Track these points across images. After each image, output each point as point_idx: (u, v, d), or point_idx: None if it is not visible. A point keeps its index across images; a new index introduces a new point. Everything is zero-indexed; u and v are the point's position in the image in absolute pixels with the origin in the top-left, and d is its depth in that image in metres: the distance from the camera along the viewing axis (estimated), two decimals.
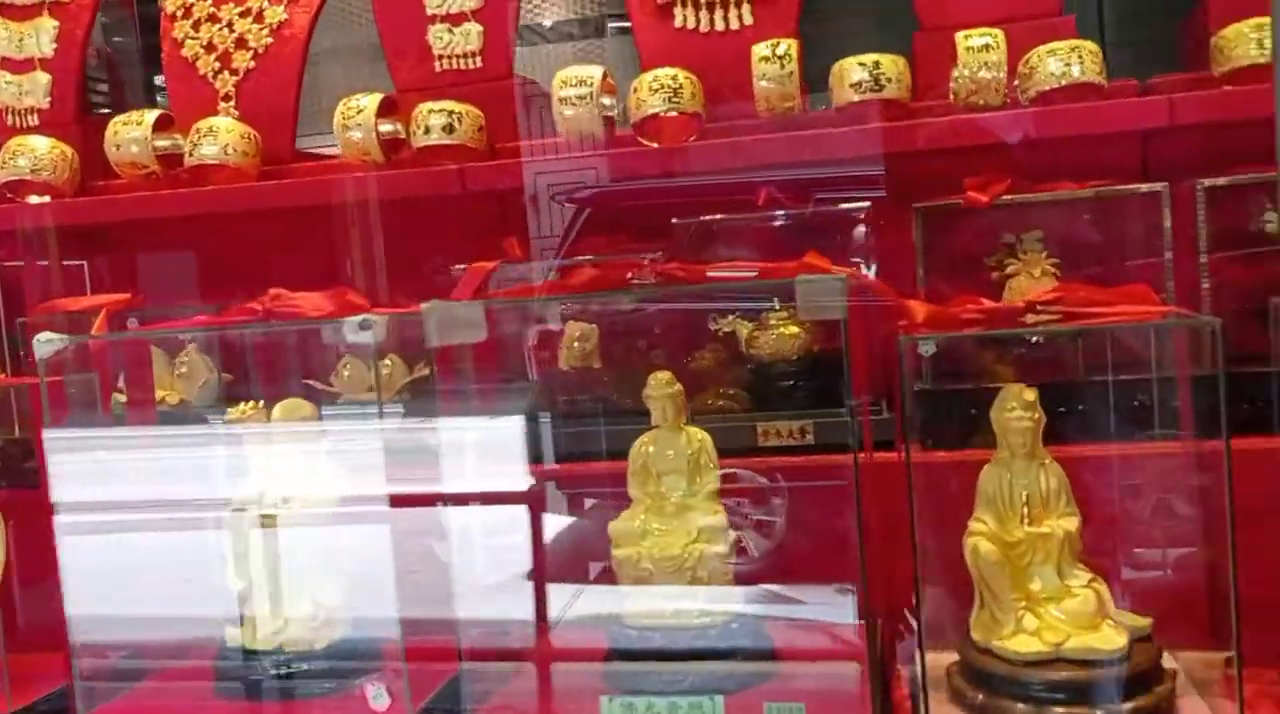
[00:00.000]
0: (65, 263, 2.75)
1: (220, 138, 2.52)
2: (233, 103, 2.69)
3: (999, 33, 2.16)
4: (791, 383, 2.25)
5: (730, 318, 2.37)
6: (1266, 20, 2.02)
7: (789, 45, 2.24)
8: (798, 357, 2.26)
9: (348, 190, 2.46)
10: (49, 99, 2.77)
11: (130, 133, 2.55)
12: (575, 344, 2.42)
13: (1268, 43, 2.01)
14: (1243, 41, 2.03)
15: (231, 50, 2.70)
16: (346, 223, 2.51)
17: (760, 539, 2.20)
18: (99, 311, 2.49)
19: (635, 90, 2.32)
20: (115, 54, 3.29)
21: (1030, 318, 1.75)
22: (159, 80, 3.30)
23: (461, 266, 2.38)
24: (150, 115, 2.57)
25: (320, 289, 2.38)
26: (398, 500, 1.97)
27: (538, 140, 2.49)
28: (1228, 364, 1.85)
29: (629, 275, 1.91)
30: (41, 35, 2.78)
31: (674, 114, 2.31)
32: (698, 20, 2.46)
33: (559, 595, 2.21)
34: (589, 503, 2.24)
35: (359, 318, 1.77)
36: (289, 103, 2.67)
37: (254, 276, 2.50)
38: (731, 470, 2.09)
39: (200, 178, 2.56)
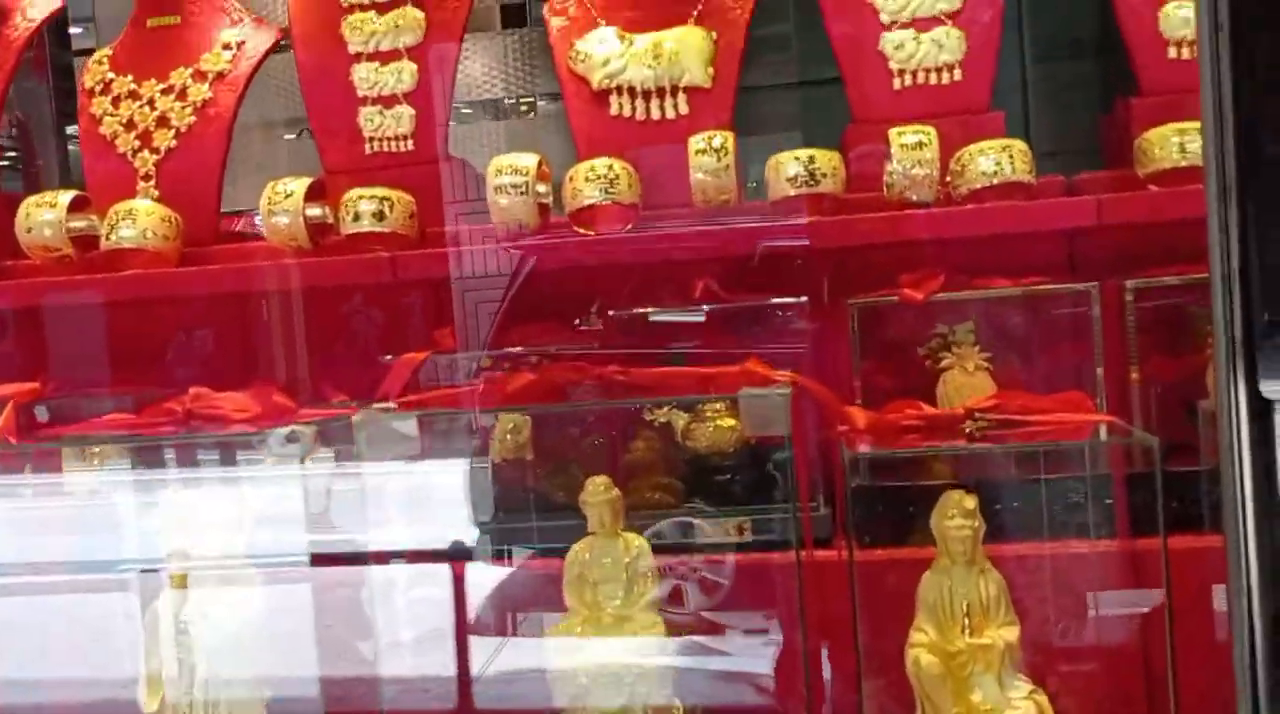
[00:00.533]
0: None
1: (139, 221, 2.43)
2: (153, 182, 2.61)
3: (931, 130, 2.18)
4: (728, 476, 2.22)
5: (666, 409, 2.34)
6: (1188, 124, 2.08)
7: (725, 139, 2.24)
8: (734, 450, 2.24)
9: (272, 279, 2.40)
10: None
11: (43, 215, 2.45)
12: (508, 436, 2.37)
13: (1190, 146, 2.06)
14: (1166, 145, 2.08)
15: (153, 129, 2.62)
16: (271, 310, 2.44)
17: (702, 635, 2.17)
18: (4, 403, 2.39)
19: (571, 179, 2.30)
20: (27, 121, 3.18)
21: (969, 425, 1.75)
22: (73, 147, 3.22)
23: (389, 357, 2.32)
24: (65, 197, 2.47)
25: (242, 379, 2.33)
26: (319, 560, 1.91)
27: (469, 226, 2.46)
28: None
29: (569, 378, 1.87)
30: None
31: (610, 204, 2.30)
32: (633, 109, 2.46)
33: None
34: (520, 608, 2.19)
35: (286, 430, 1.71)
36: (212, 183, 2.60)
37: (173, 363, 2.43)
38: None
39: (117, 262, 2.47)
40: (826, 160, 2.21)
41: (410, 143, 2.54)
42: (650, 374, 1.89)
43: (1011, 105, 2.67)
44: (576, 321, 2.31)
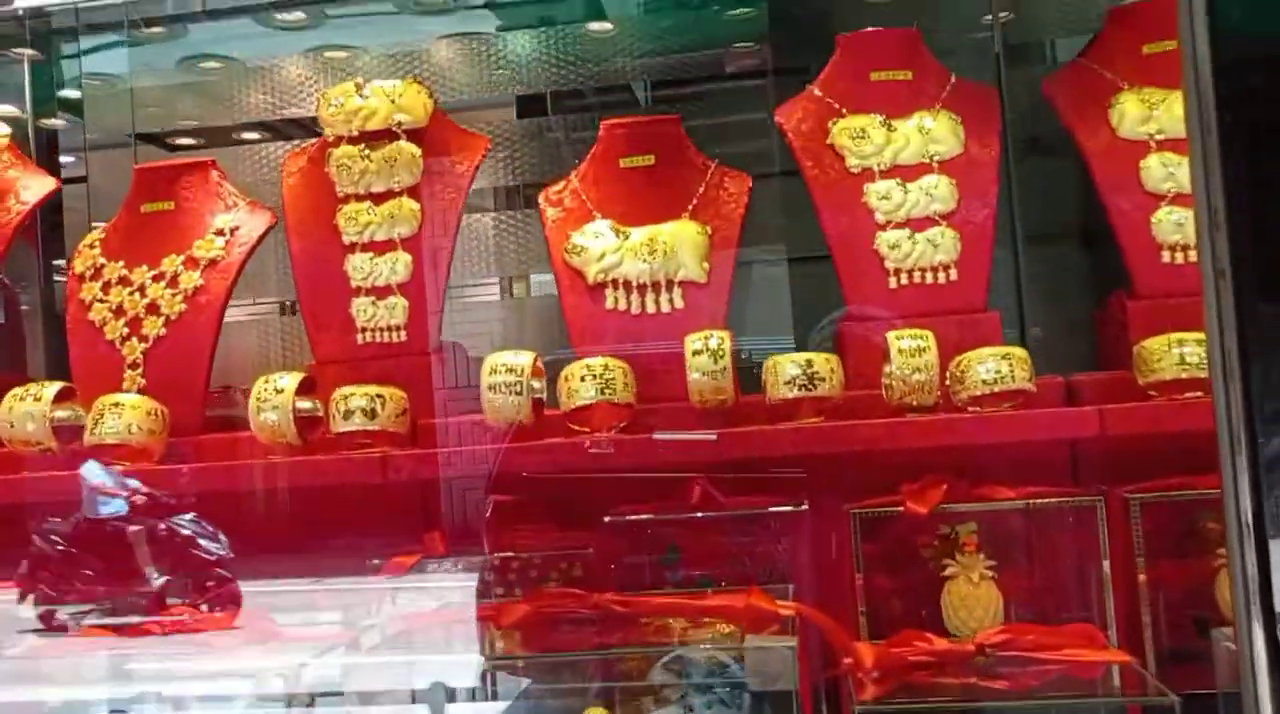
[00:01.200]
0: None
1: (125, 416, 2.38)
2: (140, 371, 2.57)
3: (929, 334, 2.17)
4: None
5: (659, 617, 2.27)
6: (1186, 335, 2.08)
7: (721, 339, 2.22)
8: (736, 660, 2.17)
9: (258, 477, 2.34)
10: None
11: (27, 407, 2.40)
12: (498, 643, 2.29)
13: (1190, 357, 2.05)
14: (1166, 356, 2.07)
15: (143, 316, 2.59)
16: (257, 507, 2.38)
17: None
18: None
19: (567, 378, 2.27)
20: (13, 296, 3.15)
21: (979, 660, 1.69)
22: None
23: (378, 561, 2.26)
24: (50, 389, 2.42)
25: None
26: None
27: (461, 419, 2.43)
28: (1170, 682, 1.83)
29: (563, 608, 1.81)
30: None
31: (605, 402, 2.27)
32: (629, 302, 2.45)
33: None
34: None
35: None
36: (201, 372, 2.56)
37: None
38: None
39: (99, 456, 2.42)
40: (824, 363, 2.20)
41: (403, 333, 2.52)
42: (650, 604, 1.83)
43: (1003, 290, 2.69)
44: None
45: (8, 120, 3.05)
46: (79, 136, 3.46)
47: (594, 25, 3.92)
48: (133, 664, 1.90)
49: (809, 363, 2.19)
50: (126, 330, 2.60)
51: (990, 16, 3.05)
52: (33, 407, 2.40)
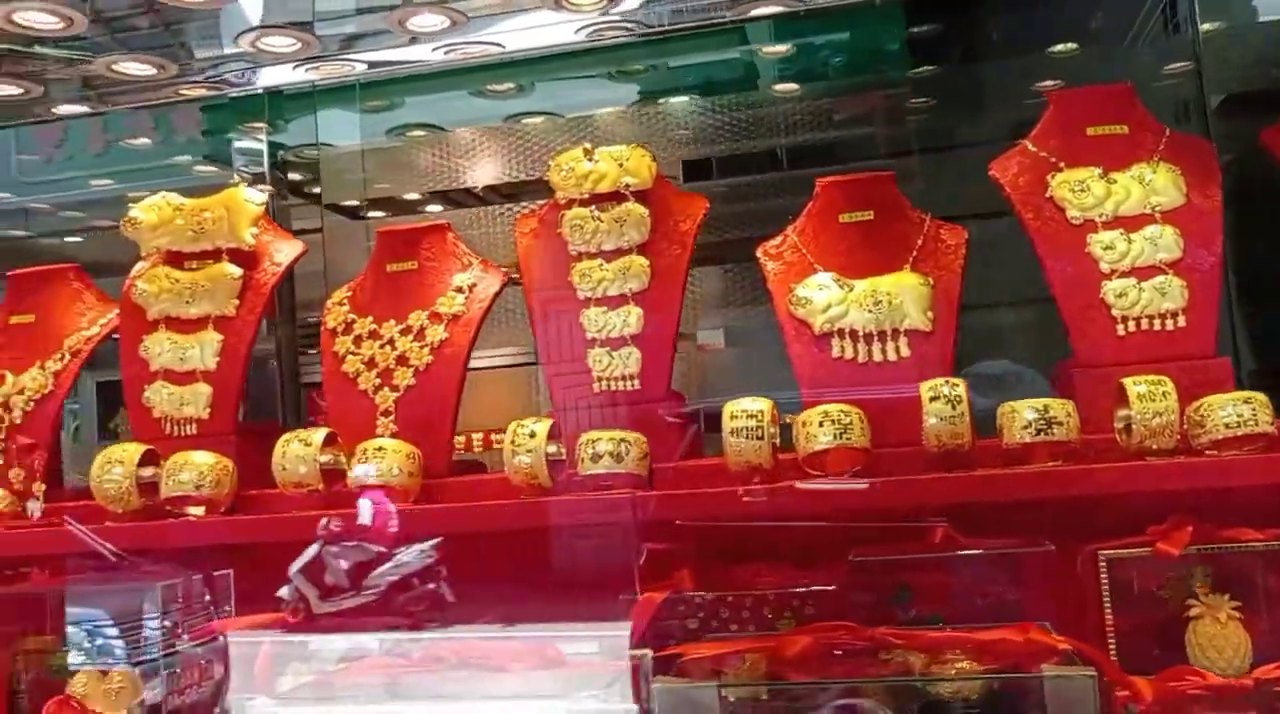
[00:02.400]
0: (214, 573, 2.77)
1: (388, 458, 2.58)
2: (392, 418, 2.77)
3: (1168, 380, 2.23)
4: None
5: (899, 652, 2.35)
6: None
7: (958, 387, 2.31)
8: (979, 697, 2.23)
9: (513, 517, 2.50)
10: (208, 410, 2.87)
11: (298, 451, 2.61)
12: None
13: None
14: None
15: (393, 367, 2.81)
16: (507, 546, 2.54)
17: None
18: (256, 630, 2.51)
19: (804, 424, 2.39)
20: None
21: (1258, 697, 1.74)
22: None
23: (628, 596, 2.38)
24: (318, 435, 2.63)
25: (471, 613, 2.42)
26: None
27: (699, 460, 2.56)
28: None
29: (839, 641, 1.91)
30: (205, 348, 2.89)
31: (842, 447, 2.37)
32: (855, 351, 2.56)
33: None
34: None
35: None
36: (447, 418, 2.75)
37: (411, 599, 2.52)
38: None
39: (359, 498, 2.61)
40: (1060, 408, 2.27)
41: (636, 382, 2.67)
42: (925, 638, 1.92)
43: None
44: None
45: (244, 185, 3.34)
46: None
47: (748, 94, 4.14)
48: (445, 686, 2.06)
49: (1046, 408, 2.27)
50: (378, 381, 2.81)
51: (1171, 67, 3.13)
52: (303, 451, 2.62)
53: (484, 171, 3.78)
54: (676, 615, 2.48)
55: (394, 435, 2.73)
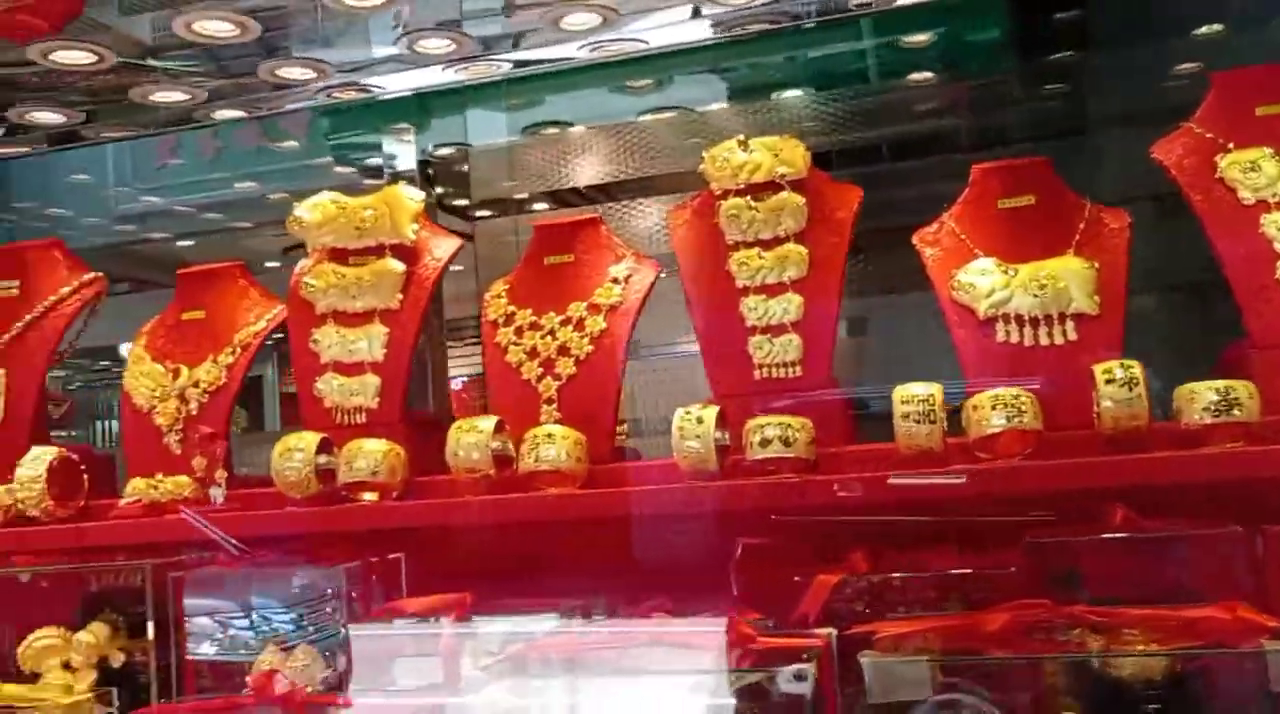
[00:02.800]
0: (386, 556, 2.88)
1: (558, 445, 2.66)
2: (555, 406, 2.85)
3: None
4: (1158, 709, 2.20)
5: (1078, 630, 2.36)
6: None
7: (1134, 369, 2.31)
8: (1163, 678, 2.23)
9: (680, 501, 2.56)
10: (377, 399, 2.98)
11: (472, 438, 2.70)
12: None
13: None
14: None
15: (554, 357, 2.89)
16: (675, 531, 2.60)
17: None
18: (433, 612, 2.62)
19: (975, 407, 2.41)
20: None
21: None
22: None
23: (801, 578, 2.43)
24: (489, 423, 2.72)
25: (634, 596, 2.48)
26: None
27: (864, 445, 2.60)
28: None
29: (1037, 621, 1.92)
30: (372, 341, 3.00)
31: (1015, 430, 2.39)
32: (1021, 336, 2.57)
33: None
34: None
35: (794, 669, 1.81)
36: (609, 406, 2.82)
37: (582, 581, 2.60)
38: None
39: (529, 482, 2.69)
40: (1243, 389, 2.26)
41: (798, 369, 2.71)
42: (1127, 616, 1.93)
43: None
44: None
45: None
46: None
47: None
48: (627, 662, 2.13)
49: (1228, 389, 2.26)
50: (541, 370, 2.89)
51: None
52: (476, 438, 2.70)
53: (620, 166, 3.85)
54: (843, 598, 2.52)
55: (557, 422, 2.81)
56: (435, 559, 2.88)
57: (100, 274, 3.49)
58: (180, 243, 5.21)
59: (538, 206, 3.92)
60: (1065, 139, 4.02)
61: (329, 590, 2.73)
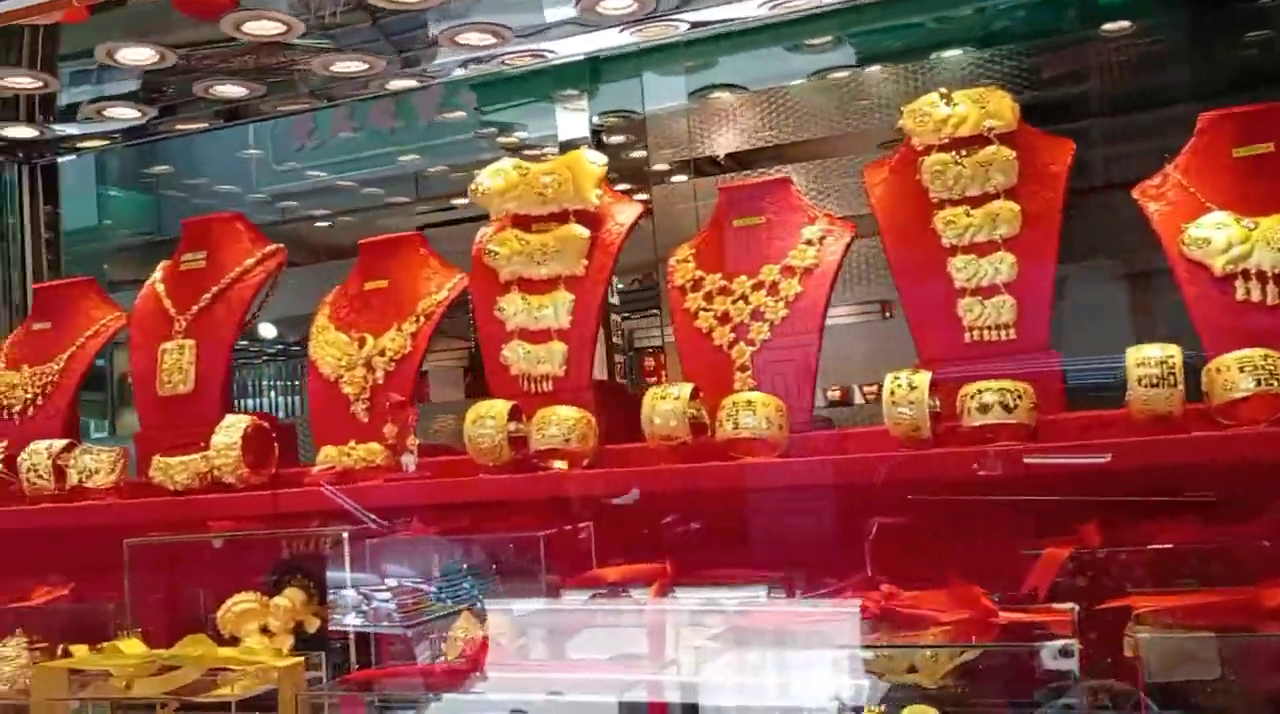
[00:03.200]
0: (576, 525, 2.84)
1: (759, 412, 2.58)
2: (749, 372, 2.77)
3: None
4: None
5: None
6: None
7: None
8: None
9: (890, 471, 2.45)
10: (564, 367, 2.93)
11: (669, 406, 2.63)
12: None
13: None
14: None
15: (747, 322, 2.80)
16: (885, 500, 2.49)
17: None
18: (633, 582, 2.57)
19: (1220, 370, 2.24)
20: None
21: None
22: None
23: (1030, 552, 2.30)
24: (685, 390, 2.65)
25: (841, 571, 2.39)
26: None
27: (1087, 412, 2.45)
28: None
29: None
30: (559, 307, 2.96)
31: (1264, 393, 2.21)
32: (1263, 293, 2.38)
33: None
34: None
35: (1059, 644, 1.70)
36: (807, 373, 2.73)
37: (779, 553, 2.52)
38: None
39: (732, 449, 2.61)
40: None
41: (1012, 331, 2.57)
42: None
43: None
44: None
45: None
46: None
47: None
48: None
49: None
50: (733, 336, 2.81)
51: None
52: (673, 405, 2.64)
53: (797, 127, 3.75)
54: (1065, 573, 2.38)
55: (752, 390, 2.72)
56: (622, 529, 2.83)
57: (281, 246, 3.54)
58: (339, 220, 5.29)
59: (709, 171, 3.84)
60: (1267, 89, 3.74)
61: (523, 558, 2.71)
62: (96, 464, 3.25)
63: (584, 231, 2.98)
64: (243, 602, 2.95)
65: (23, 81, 3.33)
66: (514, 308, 3.00)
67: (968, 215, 2.64)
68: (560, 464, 2.79)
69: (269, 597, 2.98)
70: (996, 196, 2.63)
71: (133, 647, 2.69)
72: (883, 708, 1.97)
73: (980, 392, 2.41)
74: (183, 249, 3.54)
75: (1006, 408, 2.38)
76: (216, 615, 2.98)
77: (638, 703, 2.17)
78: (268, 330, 7.06)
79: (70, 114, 3.82)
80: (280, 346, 7.81)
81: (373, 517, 2.81)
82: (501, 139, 4.15)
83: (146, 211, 6.36)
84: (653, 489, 2.68)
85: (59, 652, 3.18)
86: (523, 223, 3.05)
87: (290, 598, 2.97)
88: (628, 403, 2.90)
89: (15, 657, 3.22)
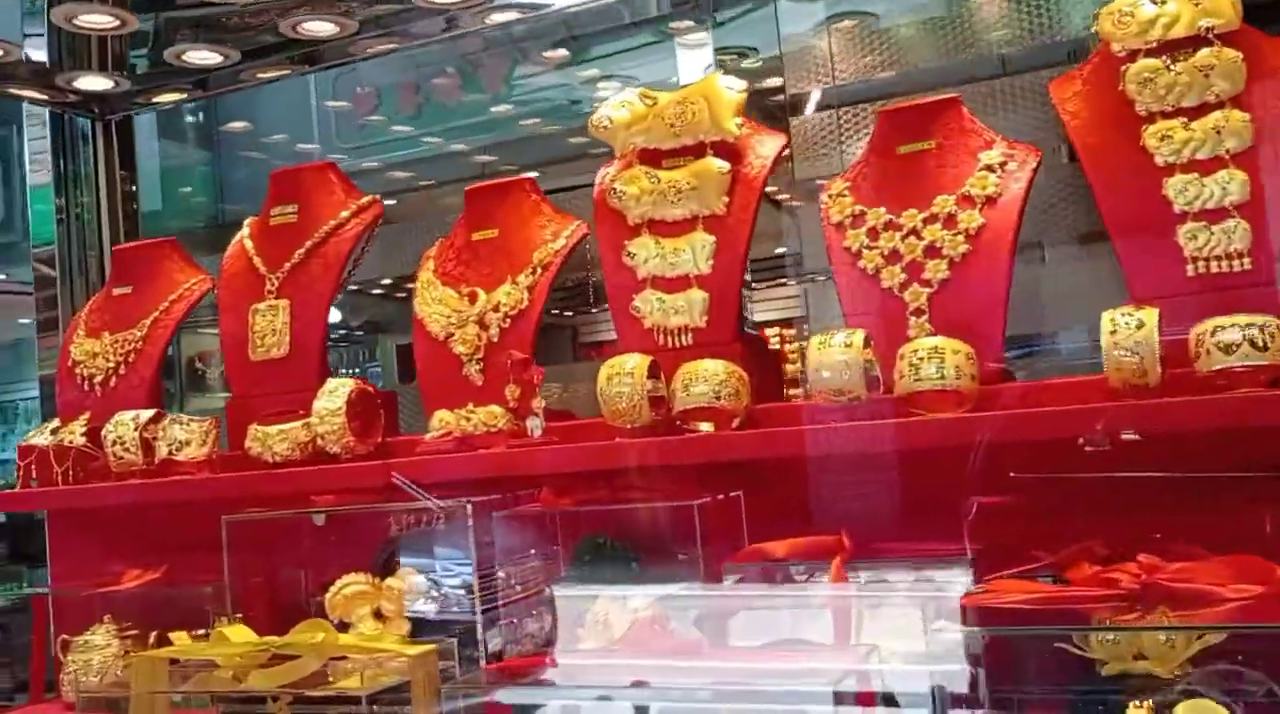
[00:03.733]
0: (726, 494, 2.52)
1: (947, 360, 2.23)
2: (925, 317, 2.42)
3: None
4: None
5: None
6: None
7: None
8: None
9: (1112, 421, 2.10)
10: (704, 318, 2.61)
11: (839, 355, 2.29)
12: None
13: None
14: None
15: (921, 260, 2.45)
16: (1109, 457, 2.14)
17: None
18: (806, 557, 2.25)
19: None
20: None
21: None
22: None
23: None
24: (856, 335, 2.31)
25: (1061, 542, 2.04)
26: None
27: None
28: None
29: None
30: (697, 251, 2.63)
31: None
32: None
33: None
34: None
35: None
36: (996, 316, 2.37)
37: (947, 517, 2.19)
38: None
39: (914, 403, 2.27)
40: None
41: (1245, 261, 2.20)
42: None
43: None
44: None
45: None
46: None
47: None
48: None
49: None
50: (905, 276, 2.46)
51: None
52: (846, 355, 2.30)
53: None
54: None
55: (930, 336, 2.38)
56: (779, 498, 2.51)
57: (377, 197, 3.25)
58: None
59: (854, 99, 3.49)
60: None
61: (675, 531, 2.39)
62: (187, 435, 2.98)
63: (723, 165, 2.64)
64: (353, 583, 2.67)
65: (100, 20, 3.06)
66: (645, 253, 2.67)
67: (1185, 128, 2.27)
68: (706, 426, 2.47)
69: (379, 578, 2.70)
70: (1220, 105, 2.26)
71: (240, 634, 2.41)
72: (1149, 703, 1.63)
73: (1220, 328, 2.04)
74: (271, 202, 3.26)
75: (1256, 346, 2.01)
76: (324, 599, 2.71)
77: (847, 693, 1.84)
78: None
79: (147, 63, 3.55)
80: (343, 331, 7.55)
81: (434, 501, 2.51)
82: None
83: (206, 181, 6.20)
84: (819, 452, 2.35)
85: (151, 640, 2.94)
86: (652, 158, 2.73)
87: (404, 579, 2.68)
88: (767, 357, 2.57)
89: (105, 645, 2.98)
